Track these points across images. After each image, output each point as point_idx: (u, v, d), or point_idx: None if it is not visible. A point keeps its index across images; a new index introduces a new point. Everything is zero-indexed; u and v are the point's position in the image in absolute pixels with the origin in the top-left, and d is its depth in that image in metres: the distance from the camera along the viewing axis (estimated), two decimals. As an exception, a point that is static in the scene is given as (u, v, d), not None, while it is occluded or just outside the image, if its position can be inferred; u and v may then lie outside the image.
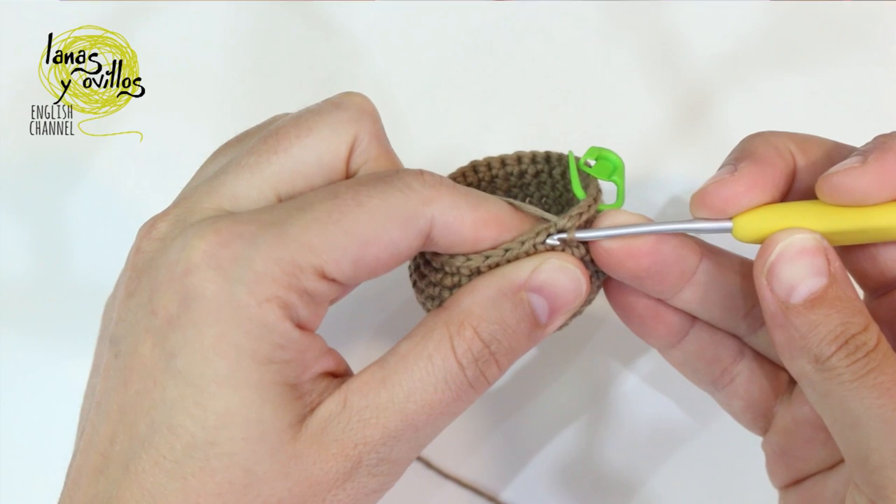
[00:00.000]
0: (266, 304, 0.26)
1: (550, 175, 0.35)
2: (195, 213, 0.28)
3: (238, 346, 0.26)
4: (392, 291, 0.32)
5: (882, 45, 0.47)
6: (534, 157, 0.35)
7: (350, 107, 0.30)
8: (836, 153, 0.30)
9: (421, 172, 0.29)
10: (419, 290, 0.32)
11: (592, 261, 0.31)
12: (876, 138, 0.29)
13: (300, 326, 0.27)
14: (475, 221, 0.29)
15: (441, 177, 0.29)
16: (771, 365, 0.34)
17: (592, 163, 0.31)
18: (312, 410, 0.27)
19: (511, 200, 0.30)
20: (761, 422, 0.35)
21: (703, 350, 0.34)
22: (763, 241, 0.28)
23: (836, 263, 0.28)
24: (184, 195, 0.30)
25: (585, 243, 0.30)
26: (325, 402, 0.27)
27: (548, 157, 0.34)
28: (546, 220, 0.30)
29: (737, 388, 0.34)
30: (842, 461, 0.32)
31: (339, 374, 0.29)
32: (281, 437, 0.26)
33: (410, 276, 0.33)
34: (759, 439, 0.35)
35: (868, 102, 0.47)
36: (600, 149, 0.31)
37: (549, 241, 0.29)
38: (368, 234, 0.27)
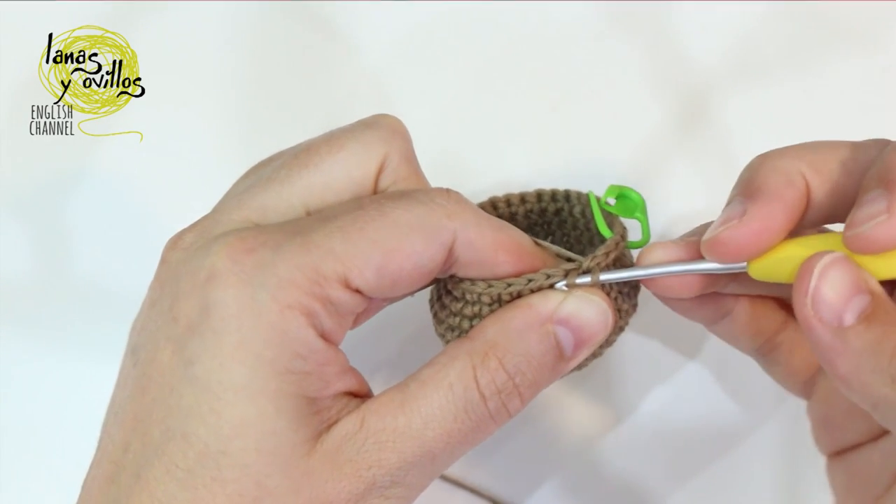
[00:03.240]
0: (288, 311, 0.25)
1: (571, 213, 0.35)
2: (221, 225, 0.28)
3: (257, 354, 0.25)
4: (415, 319, 0.32)
5: (881, 45, 0.47)
6: (553, 194, 0.35)
7: (382, 127, 0.30)
8: (853, 163, 0.28)
9: (447, 190, 0.29)
10: (439, 321, 0.31)
11: (618, 296, 0.30)
12: (881, 170, 0.27)
13: (323, 337, 0.26)
14: (496, 242, 0.28)
15: (465, 197, 0.29)
16: None
17: (612, 201, 0.31)
18: (329, 428, 0.26)
19: (536, 240, 0.30)
20: (804, 388, 0.34)
21: (745, 325, 0.33)
22: (796, 273, 0.27)
23: (872, 279, 0.27)
24: (212, 210, 0.30)
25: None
26: (342, 420, 0.27)
27: (567, 195, 0.35)
28: (565, 255, 0.30)
29: (779, 357, 0.34)
30: (885, 433, 0.32)
31: (360, 395, 0.28)
32: (295, 451, 0.25)
33: (431, 307, 0.32)
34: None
35: (867, 103, 0.46)
36: (620, 187, 0.31)
37: (578, 280, 0.29)
38: (392, 242, 0.26)
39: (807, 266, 0.27)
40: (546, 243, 0.30)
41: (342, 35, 0.48)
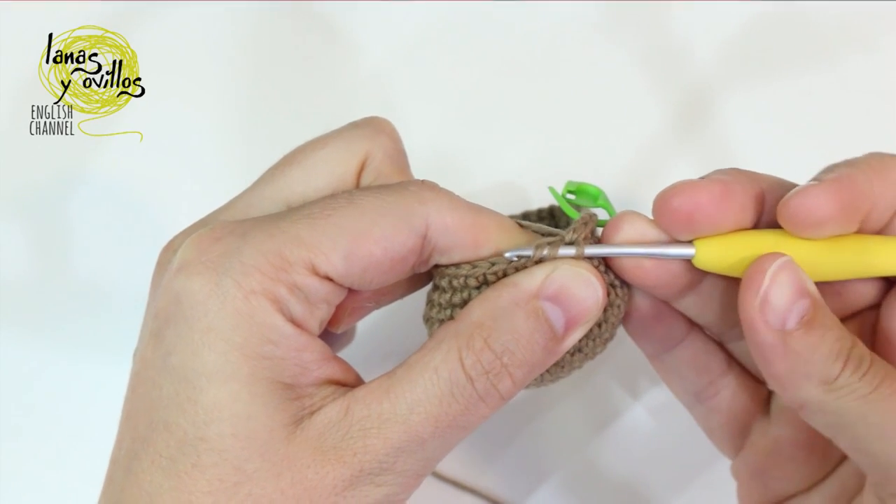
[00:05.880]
0: (253, 296, 0.26)
1: (557, 227, 0.35)
2: (208, 224, 0.29)
3: (226, 339, 0.25)
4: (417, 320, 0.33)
5: (881, 46, 0.47)
6: (539, 213, 0.35)
7: (367, 126, 0.31)
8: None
9: (422, 180, 0.28)
10: (431, 323, 0.31)
11: (607, 270, 0.30)
12: (833, 166, 0.29)
13: (294, 323, 0.26)
14: (475, 224, 0.28)
15: (441, 187, 0.29)
16: (753, 382, 0.34)
17: (573, 197, 0.32)
18: (311, 414, 0.26)
19: (520, 221, 0.30)
20: (737, 440, 0.34)
21: (694, 358, 0.33)
22: (746, 272, 0.27)
23: (811, 282, 0.27)
24: (207, 214, 0.31)
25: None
26: (326, 407, 0.26)
27: (552, 211, 0.35)
28: (549, 233, 0.30)
29: (720, 402, 0.34)
30: (821, 481, 0.32)
31: (349, 385, 0.28)
32: (272, 435, 0.25)
33: (424, 318, 0.32)
34: None
35: (867, 102, 0.46)
36: (578, 183, 0.31)
37: (560, 252, 0.28)
38: (359, 227, 0.26)
39: (758, 267, 0.27)
40: (529, 223, 0.30)
41: (343, 35, 0.48)
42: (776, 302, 0.27)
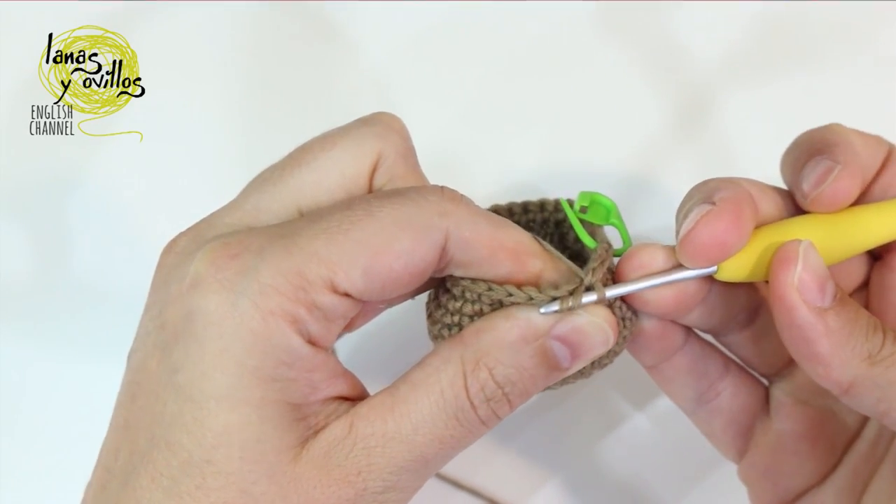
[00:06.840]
0: (271, 318, 0.25)
1: (553, 221, 0.34)
2: (215, 229, 0.28)
3: (240, 363, 0.25)
4: (418, 317, 0.32)
5: (882, 46, 0.47)
6: (556, 204, 0.34)
7: (377, 123, 0.30)
8: (786, 196, 0.31)
9: (441, 187, 0.28)
10: (434, 322, 0.30)
11: (621, 305, 0.30)
12: (808, 148, 0.31)
13: (310, 342, 0.26)
14: (493, 241, 0.27)
15: (463, 194, 0.28)
16: (752, 380, 0.35)
17: (586, 208, 0.31)
18: (316, 433, 0.26)
19: (540, 240, 0.29)
20: (740, 442, 0.35)
21: (693, 364, 0.33)
22: (775, 258, 0.28)
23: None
24: (210, 213, 0.30)
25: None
26: (331, 425, 0.26)
27: (571, 203, 0.34)
28: (565, 263, 0.29)
29: (721, 404, 0.34)
30: (830, 472, 0.32)
31: (354, 398, 0.28)
32: (280, 458, 0.25)
33: (427, 308, 0.31)
34: None
35: (867, 102, 0.46)
36: (591, 193, 0.31)
37: (584, 300, 0.28)
38: (379, 242, 0.26)
39: (789, 250, 0.28)
40: (548, 244, 0.29)
41: (343, 35, 0.48)
42: (811, 281, 0.27)
